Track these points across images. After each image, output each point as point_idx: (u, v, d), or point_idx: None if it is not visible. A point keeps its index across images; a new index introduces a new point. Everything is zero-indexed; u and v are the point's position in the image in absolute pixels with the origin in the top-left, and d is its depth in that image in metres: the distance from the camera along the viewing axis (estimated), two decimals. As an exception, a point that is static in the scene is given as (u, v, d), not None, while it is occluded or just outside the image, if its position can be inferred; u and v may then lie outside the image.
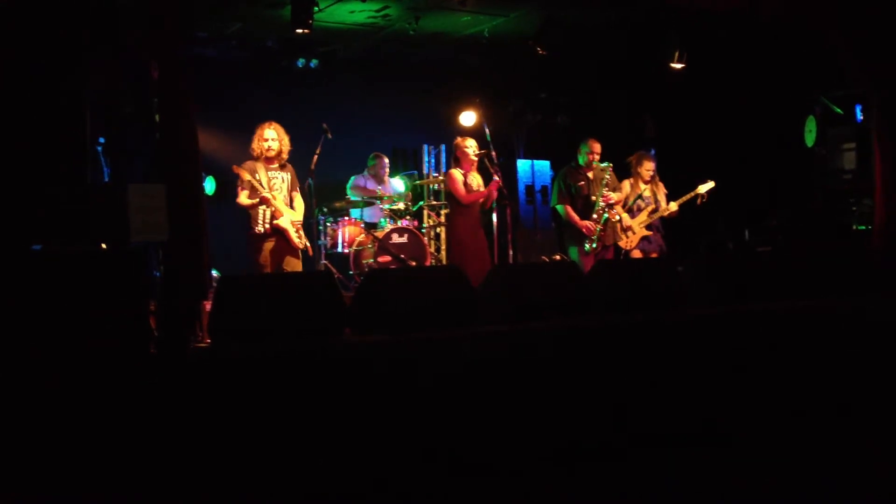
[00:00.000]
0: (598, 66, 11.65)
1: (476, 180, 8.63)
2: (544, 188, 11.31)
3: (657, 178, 9.15)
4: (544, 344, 5.08)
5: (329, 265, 9.24)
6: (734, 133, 11.22)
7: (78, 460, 3.74)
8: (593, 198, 8.73)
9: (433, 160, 11.80)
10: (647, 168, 9.03)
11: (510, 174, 11.35)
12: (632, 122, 12.13)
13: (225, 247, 8.61)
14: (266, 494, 3.97)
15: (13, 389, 3.85)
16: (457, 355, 4.81)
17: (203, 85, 5.91)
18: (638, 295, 6.02)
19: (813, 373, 5.49)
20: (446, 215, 10.30)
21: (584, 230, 8.64)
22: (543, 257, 10.28)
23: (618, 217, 8.83)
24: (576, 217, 8.68)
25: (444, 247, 10.49)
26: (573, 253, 8.77)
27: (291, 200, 7.84)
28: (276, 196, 7.56)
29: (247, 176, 7.45)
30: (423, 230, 10.05)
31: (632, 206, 9.01)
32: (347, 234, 9.55)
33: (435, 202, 10.73)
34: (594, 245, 8.62)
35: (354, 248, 9.34)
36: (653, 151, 9.41)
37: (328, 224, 9.69)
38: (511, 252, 9.17)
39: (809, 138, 11.04)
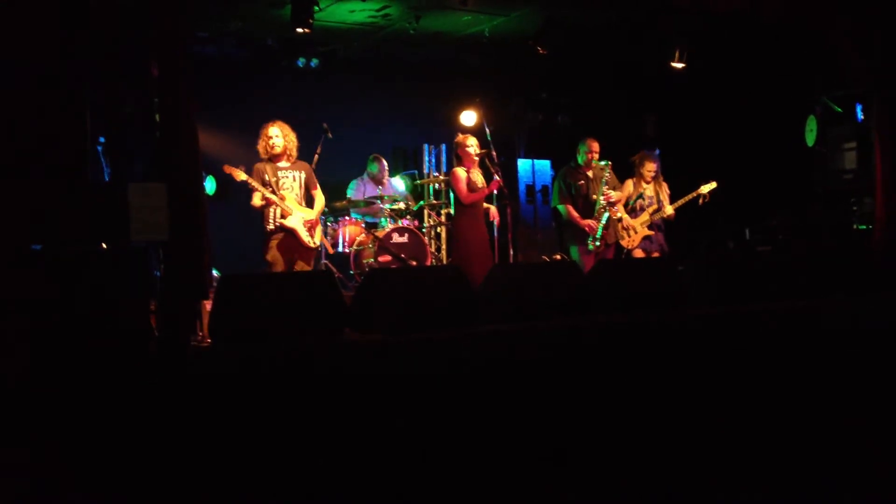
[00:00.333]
0: (598, 66, 11.65)
1: (479, 178, 8.62)
2: (545, 188, 11.31)
3: (661, 179, 9.16)
4: (544, 344, 5.08)
5: (329, 265, 9.24)
6: (735, 133, 11.22)
7: (78, 460, 3.74)
8: (594, 196, 8.73)
9: (433, 160, 11.79)
10: (649, 168, 9.04)
11: (511, 174, 11.35)
12: (632, 121, 12.13)
13: (225, 246, 8.59)
14: (266, 494, 3.97)
15: (13, 389, 3.85)
16: (457, 355, 4.81)
17: (203, 84, 5.90)
18: (638, 295, 6.02)
19: (813, 372, 5.49)
20: (448, 214, 10.32)
21: (586, 229, 8.63)
22: (544, 257, 10.28)
23: (619, 215, 8.84)
24: (577, 216, 8.68)
25: (444, 246, 10.50)
26: (574, 252, 8.76)
27: (309, 198, 7.81)
28: (284, 195, 7.53)
29: (241, 176, 7.41)
30: (424, 230, 10.05)
31: (633, 205, 9.02)
32: (348, 233, 9.55)
33: (435, 202, 10.73)
34: (596, 244, 8.62)
35: (355, 247, 9.34)
36: (658, 152, 9.40)
37: (329, 224, 9.69)
38: (511, 252, 9.17)
39: (810, 138, 11.04)
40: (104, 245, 5.05)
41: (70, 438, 3.78)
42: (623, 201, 9.01)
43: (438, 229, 10.61)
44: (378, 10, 9.41)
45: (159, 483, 3.84)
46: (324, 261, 9.15)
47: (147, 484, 3.81)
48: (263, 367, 4.37)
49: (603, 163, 8.75)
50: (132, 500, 3.76)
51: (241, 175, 7.41)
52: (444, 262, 10.23)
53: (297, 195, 7.65)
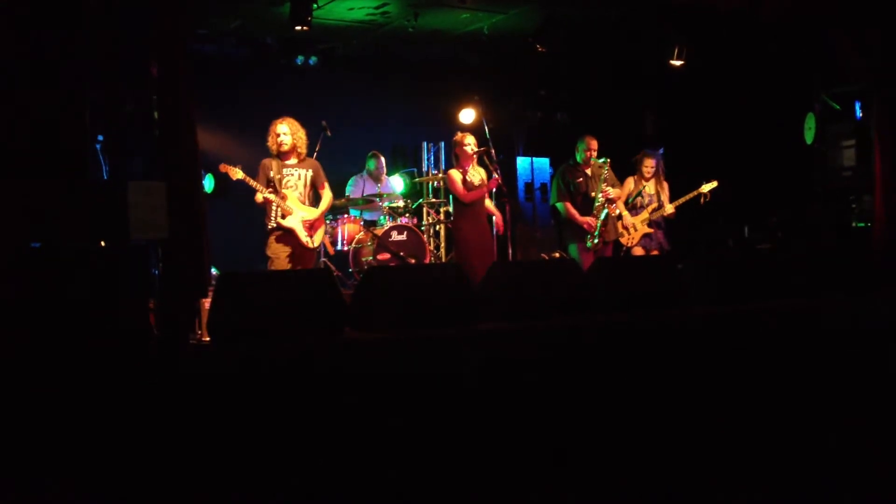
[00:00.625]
0: (597, 64, 11.64)
1: (478, 175, 8.61)
2: (543, 186, 11.30)
3: (662, 178, 9.17)
4: (544, 343, 5.08)
5: (328, 262, 9.23)
6: (734, 131, 11.22)
7: (78, 459, 3.74)
8: (592, 194, 8.73)
9: (433, 158, 11.79)
10: (647, 165, 9.07)
11: (510, 172, 11.34)
12: (631, 119, 12.12)
13: (224, 244, 8.58)
14: (266, 494, 3.97)
15: (12, 387, 3.85)
16: (456, 353, 4.81)
17: (202, 82, 5.89)
18: (637, 293, 6.02)
19: (813, 371, 5.49)
20: (446, 213, 10.32)
21: (584, 226, 8.63)
22: (543, 255, 10.27)
23: (618, 212, 8.84)
24: (576, 214, 8.68)
25: (443, 244, 10.50)
26: (573, 250, 8.76)
27: (315, 196, 7.80)
28: (286, 194, 7.52)
29: (238, 174, 7.39)
30: (423, 228, 10.04)
31: (632, 202, 9.03)
32: (347, 231, 9.55)
33: (434, 200, 10.72)
34: (595, 241, 8.62)
35: (354, 245, 9.34)
36: (661, 150, 9.41)
37: (328, 222, 9.68)
38: (510, 250, 9.17)
39: (809, 135, 11.04)
40: (103, 243, 5.04)
41: (69, 437, 3.77)
42: (623, 199, 9.02)
43: (437, 227, 10.60)
44: (377, 8, 9.40)
45: (159, 482, 3.84)
46: (322, 259, 9.14)
47: (147, 483, 3.81)
48: (263, 366, 4.37)
49: (601, 160, 8.75)
50: (132, 499, 3.76)
51: (237, 174, 7.39)
52: (444, 260, 10.23)
53: (300, 194, 7.63)
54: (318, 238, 7.78)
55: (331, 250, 9.25)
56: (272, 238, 7.53)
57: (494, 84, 11.97)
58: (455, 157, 8.66)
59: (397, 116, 11.91)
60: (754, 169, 11.02)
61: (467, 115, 10.53)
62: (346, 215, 9.83)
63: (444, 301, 5.40)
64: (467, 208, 8.50)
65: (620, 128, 10.97)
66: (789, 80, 10.88)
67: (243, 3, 9.20)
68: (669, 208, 8.95)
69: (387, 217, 9.72)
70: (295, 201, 7.54)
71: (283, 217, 7.49)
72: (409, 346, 4.76)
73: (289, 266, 7.51)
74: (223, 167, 7.47)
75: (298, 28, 8.56)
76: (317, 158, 8.13)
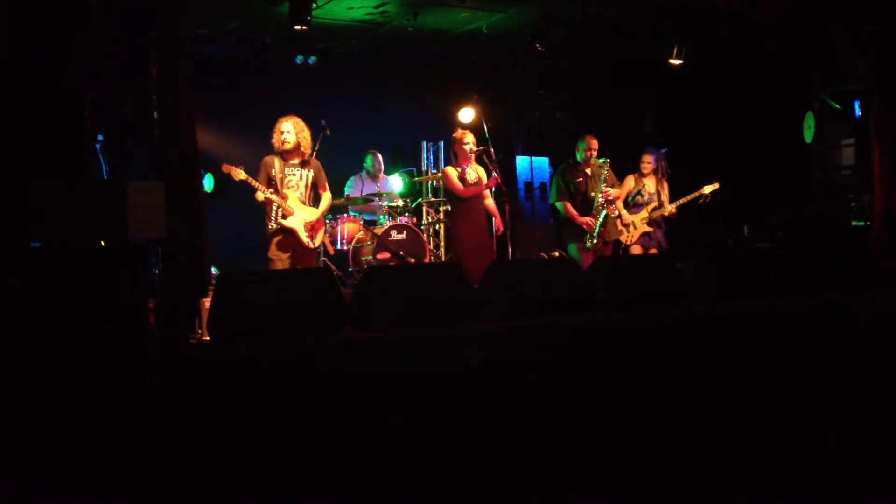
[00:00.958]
0: (597, 63, 11.64)
1: (476, 173, 8.61)
2: (543, 185, 11.32)
3: (664, 177, 9.17)
4: (543, 342, 5.08)
5: (328, 262, 9.23)
6: (733, 130, 11.22)
7: (78, 459, 3.74)
8: (592, 194, 8.73)
9: (432, 157, 11.80)
10: (646, 161, 9.10)
11: (509, 171, 11.35)
12: (631, 119, 12.12)
13: (224, 244, 8.59)
14: (265, 494, 3.97)
15: (11, 388, 3.85)
16: (456, 353, 4.81)
17: (202, 82, 5.90)
18: (637, 293, 6.03)
19: (813, 371, 5.49)
20: (446, 212, 10.31)
21: (583, 226, 8.64)
22: (542, 254, 10.28)
23: (617, 212, 8.85)
24: (575, 213, 8.68)
25: (443, 244, 10.50)
26: (572, 250, 8.77)
27: (316, 197, 7.80)
28: (287, 194, 7.51)
29: (240, 175, 7.38)
30: (422, 227, 10.05)
31: (632, 200, 9.04)
32: (346, 231, 9.55)
33: (434, 199, 10.73)
34: (594, 241, 8.62)
35: (353, 245, 9.34)
36: (665, 150, 9.42)
37: (327, 221, 9.68)
38: (510, 249, 9.18)
39: (808, 134, 11.05)
40: (103, 243, 5.04)
41: (69, 437, 3.77)
42: (623, 197, 9.02)
43: (437, 226, 10.61)
44: (376, 7, 9.40)
45: (159, 482, 3.84)
46: (322, 258, 9.14)
47: (146, 483, 3.81)
48: (262, 366, 4.37)
49: (601, 160, 8.75)
50: (132, 499, 3.76)
51: (240, 174, 7.38)
52: (443, 259, 10.23)
53: (301, 194, 7.62)
54: (319, 239, 7.78)
55: (331, 250, 9.25)
56: (274, 241, 7.53)
57: (494, 83, 11.98)
58: (454, 155, 8.66)
59: (396, 116, 11.91)
60: (754, 168, 11.03)
61: (466, 115, 10.53)
62: (345, 215, 9.84)
63: (443, 300, 5.40)
64: (463, 206, 8.49)
65: (620, 127, 10.97)
66: (789, 80, 10.88)
67: (243, 3, 9.20)
68: (670, 208, 8.96)
69: (386, 216, 9.72)
70: (296, 201, 7.54)
71: (284, 217, 7.48)
72: (408, 346, 4.76)
73: (290, 267, 7.51)
74: (225, 167, 7.46)
75: (298, 27, 8.56)
76: (316, 158, 8.13)
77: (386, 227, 9.23)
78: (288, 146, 7.53)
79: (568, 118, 12.55)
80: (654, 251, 9.00)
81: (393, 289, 5.33)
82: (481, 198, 8.60)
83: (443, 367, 4.69)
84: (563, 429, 4.72)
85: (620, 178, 9.10)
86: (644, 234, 8.99)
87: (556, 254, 9.58)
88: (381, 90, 11.57)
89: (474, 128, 9.36)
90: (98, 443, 3.80)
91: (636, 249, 8.99)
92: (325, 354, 4.60)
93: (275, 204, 7.45)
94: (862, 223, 10.08)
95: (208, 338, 5.14)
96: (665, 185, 9.18)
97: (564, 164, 8.96)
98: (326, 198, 7.84)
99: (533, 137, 12.59)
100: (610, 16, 9.91)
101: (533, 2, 9.44)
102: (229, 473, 3.96)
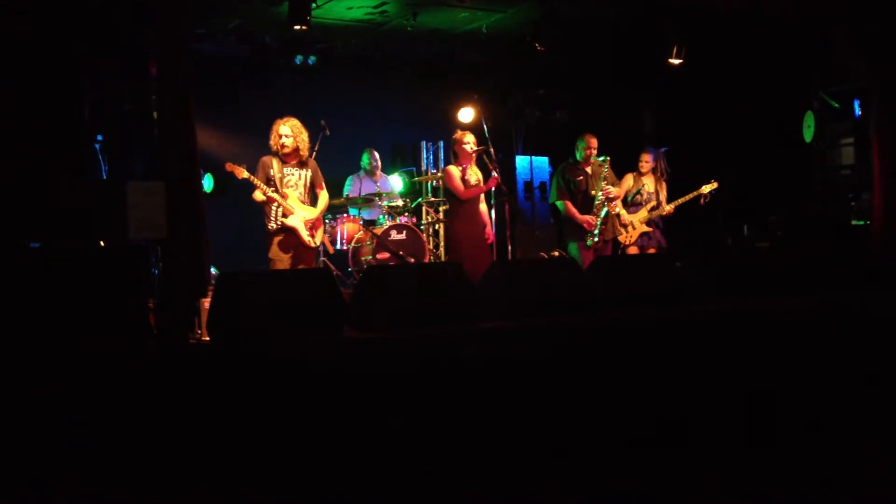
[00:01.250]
0: (596, 63, 11.63)
1: (475, 175, 8.63)
2: (543, 184, 11.30)
3: (663, 177, 9.18)
4: (543, 341, 5.08)
5: (327, 262, 9.23)
6: (733, 129, 11.21)
7: (78, 459, 3.74)
8: (592, 193, 8.74)
9: (431, 157, 11.79)
10: (644, 160, 9.13)
11: (509, 170, 11.34)
12: (630, 118, 12.12)
13: (224, 244, 8.59)
14: (265, 493, 3.97)
15: (11, 387, 3.84)
16: (456, 352, 4.81)
17: (201, 82, 5.89)
18: (637, 292, 6.02)
19: (813, 370, 5.49)
20: (445, 211, 10.31)
21: (584, 225, 8.64)
22: (542, 253, 10.27)
23: (617, 211, 8.85)
24: (576, 212, 8.69)
25: (442, 243, 10.49)
26: (572, 249, 8.77)
27: (313, 197, 7.80)
28: (287, 194, 7.52)
29: (243, 174, 7.40)
30: (422, 227, 10.04)
31: (632, 199, 9.05)
32: (346, 231, 9.55)
33: (433, 199, 10.72)
34: (595, 240, 8.62)
35: (353, 245, 9.34)
36: (664, 149, 9.43)
37: (327, 221, 9.68)
38: (510, 248, 9.17)
39: (808, 134, 11.04)
40: (102, 243, 5.04)
41: (69, 437, 3.77)
42: (622, 196, 9.02)
43: (437, 226, 10.60)
44: (375, 7, 9.40)
45: (159, 482, 3.84)
46: (322, 258, 9.14)
47: (147, 483, 3.81)
48: (262, 366, 4.36)
49: (601, 159, 8.76)
50: (132, 498, 3.76)
51: (242, 173, 7.40)
52: (443, 259, 10.23)
53: (300, 194, 7.64)
54: (319, 237, 7.79)
55: (330, 249, 9.25)
56: (275, 242, 7.54)
57: (493, 83, 11.97)
58: (454, 155, 8.67)
59: (396, 115, 11.91)
60: (753, 167, 11.02)
61: (466, 114, 10.53)
62: (345, 214, 9.83)
63: (443, 300, 5.40)
64: (462, 207, 8.50)
65: (619, 126, 10.97)
66: (788, 79, 10.87)
67: (242, 3, 9.19)
68: (668, 207, 8.97)
69: (386, 216, 9.72)
70: (295, 201, 7.55)
71: (285, 216, 7.49)
72: (408, 346, 4.76)
73: (290, 267, 7.52)
74: (229, 166, 7.48)
75: (297, 27, 8.55)
76: (316, 157, 8.13)
77: (385, 227, 9.23)
78: (287, 150, 7.56)
79: (568, 118, 12.54)
80: (652, 251, 9.00)
81: (393, 289, 5.33)
82: (479, 198, 8.61)
83: (443, 367, 4.69)
84: (564, 428, 4.72)
85: (620, 178, 9.10)
86: (643, 234, 8.99)
87: (557, 253, 9.57)
88: (381, 90, 11.57)
89: (474, 127, 9.36)
90: (98, 442, 3.80)
91: (634, 250, 9.00)
92: (324, 354, 4.59)
93: (275, 203, 7.46)
94: (862, 222, 10.08)
95: (208, 338, 5.13)
96: (663, 184, 9.18)
97: (564, 162, 8.97)
98: (324, 197, 7.86)
99: (533, 137, 12.58)
100: (609, 15, 9.91)
101: (532, 1, 9.44)
102: (229, 473, 3.96)
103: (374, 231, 9.16)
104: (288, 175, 7.58)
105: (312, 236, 7.65)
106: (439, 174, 10.54)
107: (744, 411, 5.13)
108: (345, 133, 10.02)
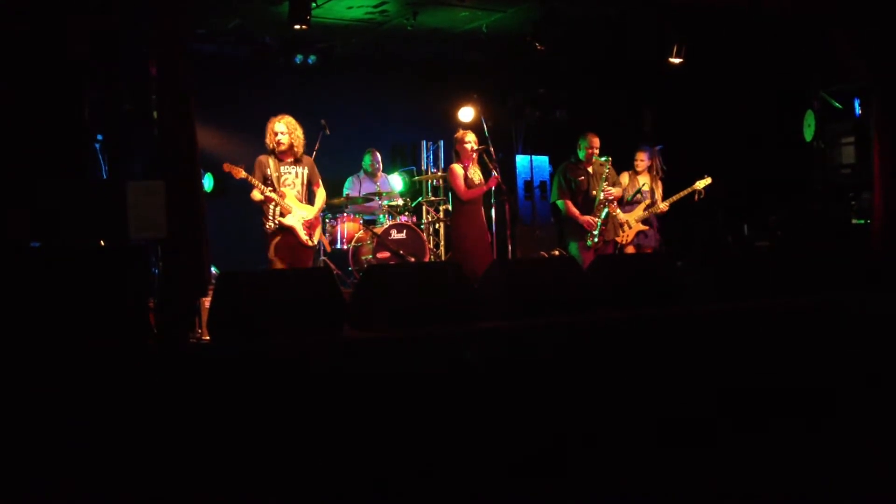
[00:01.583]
0: (596, 62, 11.63)
1: (477, 175, 8.63)
2: (543, 184, 11.29)
3: (657, 175, 9.19)
4: (544, 341, 5.07)
5: (328, 261, 9.23)
6: (733, 128, 11.22)
7: (77, 459, 3.73)
8: (593, 192, 8.74)
9: (431, 156, 11.79)
10: (639, 158, 9.17)
11: (509, 170, 11.33)
12: (630, 117, 12.12)
13: (224, 244, 8.58)
14: (265, 493, 3.97)
15: (11, 387, 3.84)
16: (456, 352, 4.80)
17: (201, 81, 5.89)
18: (638, 291, 6.02)
19: (813, 370, 5.49)
20: (446, 210, 10.32)
21: (585, 225, 8.64)
22: (542, 253, 10.27)
23: (618, 211, 8.86)
24: (576, 212, 8.69)
25: (443, 243, 10.50)
26: (573, 248, 8.77)
27: (309, 195, 7.80)
28: (285, 192, 7.52)
29: (241, 174, 7.40)
30: (422, 226, 10.05)
31: (631, 199, 9.05)
32: (346, 230, 9.55)
33: (433, 198, 10.72)
34: (595, 240, 8.63)
35: (353, 244, 9.34)
36: (659, 147, 9.43)
37: (327, 220, 9.68)
38: (510, 248, 9.18)
39: (808, 133, 11.03)
40: (103, 243, 5.04)
41: (69, 437, 3.77)
42: (620, 196, 9.03)
43: (437, 226, 10.60)
44: (375, 7, 9.40)
45: (159, 481, 3.84)
46: (322, 258, 9.15)
47: (147, 482, 3.81)
48: (262, 365, 4.36)
49: (603, 158, 8.76)
50: (132, 498, 3.76)
51: (240, 173, 7.40)
52: (443, 258, 10.23)
53: (297, 192, 7.63)
54: (317, 236, 7.80)
55: (328, 247, 9.25)
56: (273, 242, 7.54)
57: (493, 82, 11.97)
58: (455, 154, 8.68)
59: (396, 115, 11.91)
60: (753, 166, 11.02)
61: (466, 114, 10.53)
62: (345, 214, 9.83)
63: (443, 299, 5.40)
64: (465, 206, 8.51)
65: (619, 125, 10.97)
66: (789, 78, 10.87)
67: (242, 3, 9.20)
68: (663, 205, 8.97)
69: (386, 216, 9.72)
70: (293, 199, 7.55)
71: (283, 215, 7.49)
72: (408, 346, 4.75)
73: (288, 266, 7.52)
74: (227, 167, 7.48)
75: (297, 27, 8.55)
76: (316, 157, 8.13)
77: (386, 227, 9.23)
78: (282, 148, 7.55)
79: (568, 117, 12.54)
80: (649, 250, 9.01)
81: (393, 288, 5.32)
82: (481, 199, 8.62)
83: (443, 366, 4.69)
84: (564, 428, 4.72)
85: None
86: (640, 233, 9.00)
87: (557, 253, 9.57)
88: (381, 90, 11.57)
89: (474, 127, 9.37)
90: (98, 442, 3.80)
91: (631, 250, 9.01)
92: (324, 354, 4.59)
93: (272, 203, 7.46)
94: (862, 222, 10.07)
95: (208, 338, 5.13)
96: (659, 182, 9.19)
97: (566, 162, 8.97)
98: (321, 194, 7.86)
99: (533, 136, 12.57)
100: (609, 14, 9.91)
101: (532, 1, 9.44)
102: (229, 473, 3.96)
103: (375, 230, 9.16)
104: (285, 174, 7.58)
105: (310, 235, 7.65)
106: (440, 173, 10.54)
107: (744, 411, 5.13)
108: (345, 133, 10.03)
